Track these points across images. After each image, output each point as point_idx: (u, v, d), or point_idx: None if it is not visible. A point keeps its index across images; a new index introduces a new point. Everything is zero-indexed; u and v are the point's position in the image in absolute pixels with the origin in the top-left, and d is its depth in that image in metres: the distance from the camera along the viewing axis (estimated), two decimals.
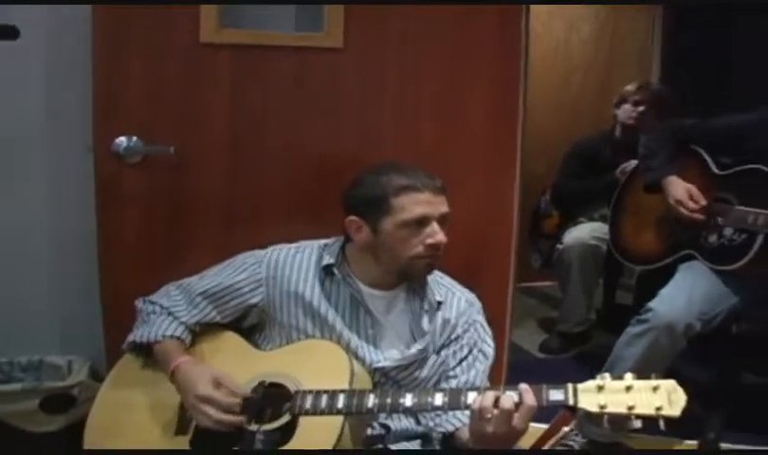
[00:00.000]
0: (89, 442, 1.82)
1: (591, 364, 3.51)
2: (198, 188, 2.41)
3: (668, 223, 2.91)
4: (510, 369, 2.59)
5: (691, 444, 2.87)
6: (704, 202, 2.77)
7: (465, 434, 1.73)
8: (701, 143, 2.90)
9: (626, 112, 3.92)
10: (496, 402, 1.55)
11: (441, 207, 1.83)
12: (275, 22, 2.46)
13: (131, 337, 1.90)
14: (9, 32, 1.94)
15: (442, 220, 1.83)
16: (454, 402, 1.64)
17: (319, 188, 2.30)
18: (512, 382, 1.62)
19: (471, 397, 1.61)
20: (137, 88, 2.36)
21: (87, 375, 2.40)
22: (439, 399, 1.64)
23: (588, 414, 1.54)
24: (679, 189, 2.82)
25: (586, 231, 3.78)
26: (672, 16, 4.83)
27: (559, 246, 3.88)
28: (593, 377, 1.56)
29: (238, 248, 2.02)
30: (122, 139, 2.31)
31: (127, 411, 1.84)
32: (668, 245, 2.91)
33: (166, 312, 1.91)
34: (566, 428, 2.82)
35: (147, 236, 2.41)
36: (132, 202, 2.39)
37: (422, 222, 1.80)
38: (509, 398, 1.55)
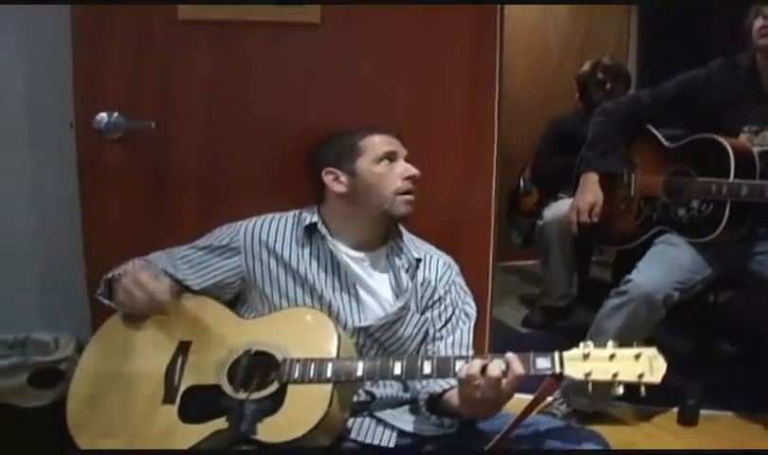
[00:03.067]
0: (72, 410, 1.79)
1: (572, 338, 3.57)
2: (179, 162, 2.42)
3: (636, 200, 2.96)
4: (493, 343, 2.61)
5: (672, 411, 2.93)
6: (594, 219, 2.91)
7: (453, 398, 1.75)
8: (655, 113, 2.93)
9: (596, 94, 4.03)
10: (483, 370, 1.58)
11: (403, 150, 1.98)
12: None
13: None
14: None
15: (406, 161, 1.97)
16: (443, 370, 1.67)
17: (297, 161, 2.27)
18: None
19: (459, 365, 1.64)
20: (118, 64, 2.35)
21: (74, 350, 2.39)
22: (428, 367, 1.68)
23: (574, 383, 1.58)
24: (588, 196, 2.94)
25: (566, 207, 3.80)
26: None
27: (540, 223, 3.92)
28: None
29: (219, 222, 2.04)
30: (103, 115, 2.30)
31: (111, 380, 1.82)
32: (641, 222, 2.94)
33: (144, 260, 1.95)
34: (550, 398, 2.85)
35: (130, 211, 2.42)
36: (114, 177, 2.39)
37: (392, 158, 1.94)
38: (497, 366, 1.58)
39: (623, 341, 1.61)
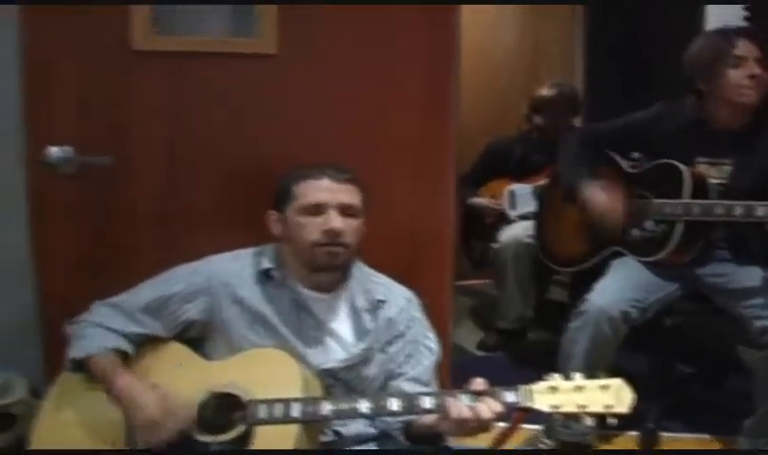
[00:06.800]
0: None
1: (527, 360, 3.57)
2: (135, 198, 2.36)
3: (590, 224, 2.97)
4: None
5: (631, 434, 2.93)
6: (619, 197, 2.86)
7: (426, 419, 1.77)
8: (611, 144, 2.99)
9: (546, 120, 4.06)
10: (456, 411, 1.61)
11: (340, 195, 1.90)
12: (209, 29, 2.41)
13: (69, 355, 1.83)
14: None
15: (343, 209, 1.89)
16: (411, 407, 1.68)
17: (254, 194, 2.23)
18: (454, 381, 1.65)
19: (427, 401, 1.66)
20: (70, 97, 2.29)
21: (27, 393, 2.32)
22: (395, 404, 1.68)
23: (563, 416, 1.62)
24: (599, 194, 2.89)
25: (521, 230, 3.82)
26: (594, 18, 4.94)
27: (495, 246, 3.92)
28: (533, 374, 1.65)
29: (176, 259, 2.00)
30: (55, 150, 2.23)
31: (72, 428, 1.78)
32: (593, 244, 2.97)
33: (100, 326, 1.85)
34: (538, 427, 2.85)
35: (84, 248, 2.35)
36: (67, 214, 2.32)
37: (319, 208, 1.88)
38: (487, 410, 1.61)
39: (591, 362, 1.64)
